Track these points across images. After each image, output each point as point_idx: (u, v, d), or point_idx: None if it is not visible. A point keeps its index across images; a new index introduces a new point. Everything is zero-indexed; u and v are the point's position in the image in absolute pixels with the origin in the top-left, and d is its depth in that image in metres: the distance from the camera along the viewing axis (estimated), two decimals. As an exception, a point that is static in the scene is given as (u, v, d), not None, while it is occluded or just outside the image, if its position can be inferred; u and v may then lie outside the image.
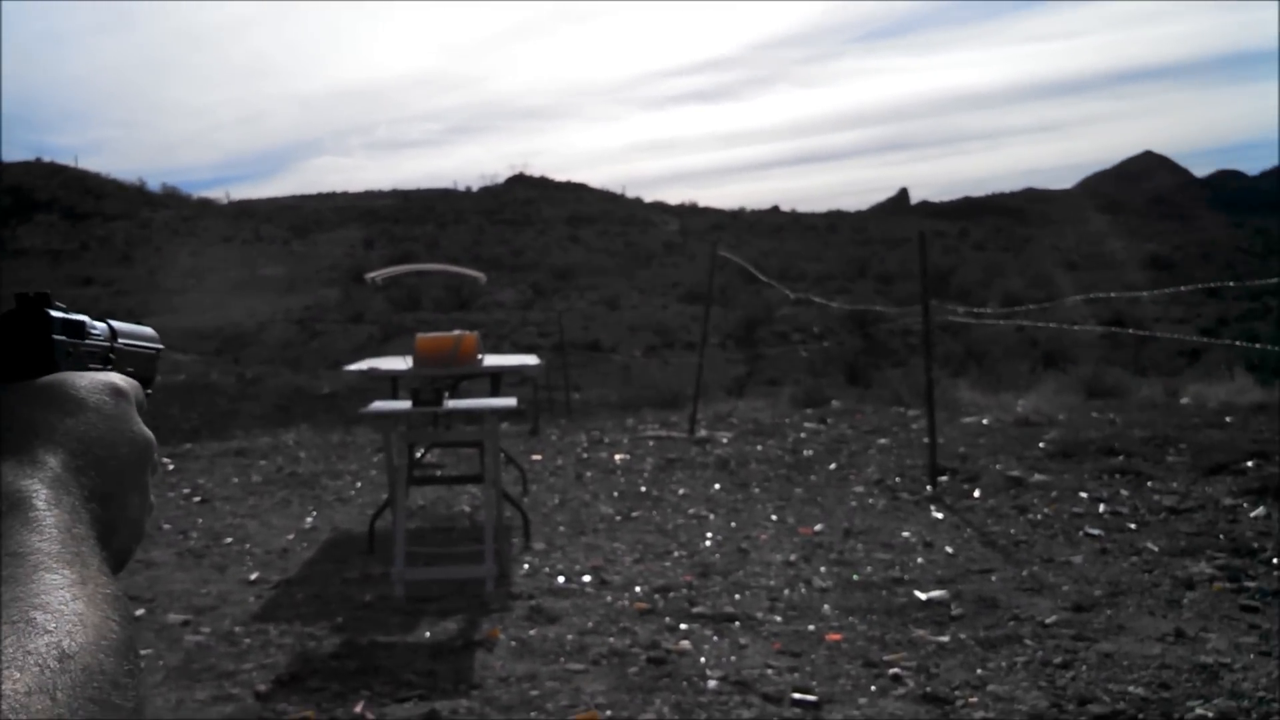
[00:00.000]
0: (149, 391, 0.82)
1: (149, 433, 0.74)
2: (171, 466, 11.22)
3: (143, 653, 3.77)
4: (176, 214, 58.18)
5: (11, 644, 0.51)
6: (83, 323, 0.76)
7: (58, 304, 0.74)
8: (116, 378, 0.74)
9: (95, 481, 0.66)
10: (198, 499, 9.41)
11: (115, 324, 0.81)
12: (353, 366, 8.24)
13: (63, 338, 0.73)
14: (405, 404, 6.58)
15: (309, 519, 8.47)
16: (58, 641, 0.53)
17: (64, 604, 0.55)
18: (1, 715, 0.47)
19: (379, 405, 6.86)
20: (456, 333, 7.69)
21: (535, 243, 54.12)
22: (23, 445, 0.65)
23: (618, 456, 10.85)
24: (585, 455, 11.09)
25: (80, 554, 0.60)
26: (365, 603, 6.06)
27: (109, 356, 0.78)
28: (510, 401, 7.03)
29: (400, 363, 8.04)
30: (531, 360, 8.57)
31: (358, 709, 4.46)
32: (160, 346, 0.88)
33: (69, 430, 0.68)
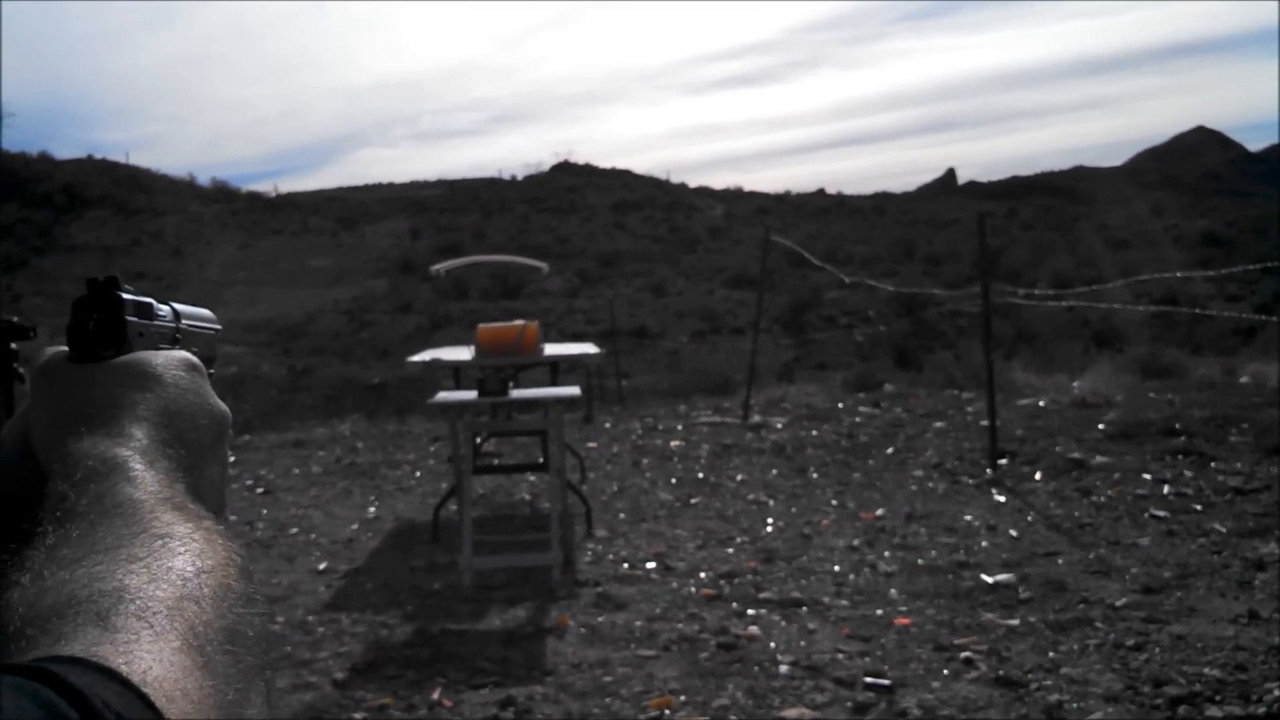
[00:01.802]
0: (211, 371, 0.85)
1: (224, 406, 0.77)
2: (233, 458, 11.34)
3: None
4: (226, 208, 58.71)
5: (153, 561, 0.54)
6: (150, 304, 0.79)
7: (126, 286, 0.77)
8: (189, 354, 0.77)
9: (180, 453, 0.69)
10: (261, 490, 9.55)
11: (178, 306, 0.85)
12: (415, 357, 8.32)
13: (135, 319, 0.76)
14: (470, 394, 6.65)
15: (371, 508, 8.57)
16: (192, 560, 0.56)
17: (188, 533, 0.58)
18: (159, 618, 0.50)
19: (445, 395, 6.93)
20: (519, 323, 7.75)
21: (580, 230, 54.16)
22: (111, 421, 0.68)
23: (673, 443, 10.88)
24: (640, 442, 11.13)
25: (184, 504, 0.63)
26: (434, 591, 6.13)
27: (175, 337, 0.82)
28: (574, 390, 7.09)
29: (462, 353, 8.11)
30: (591, 349, 8.63)
31: (435, 696, 4.53)
32: (219, 327, 0.91)
33: (151, 405, 0.70)
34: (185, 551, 0.56)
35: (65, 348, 0.74)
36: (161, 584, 0.53)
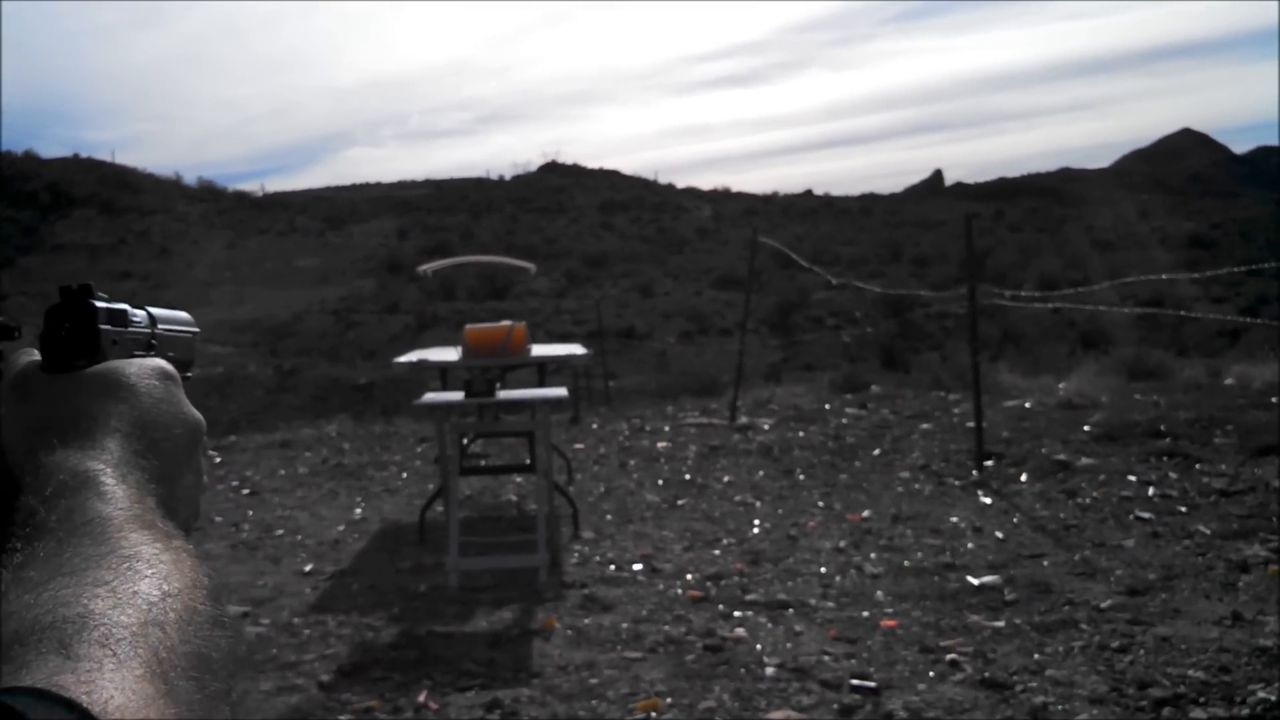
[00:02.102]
0: (188, 375, 0.85)
1: (198, 414, 0.76)
2: (219, 459, 11.34)
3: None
4: (213, 207, 58.52)
5: (119, 584, 0.54)
6: (125, 311, 0.78)
7: (100, 294, 0.76)
8: (162, 362, 0.77)
9: (153, 464, 0.69)
10: (246, 491, 9.52)
11: (154, 310, 0.84)
12: (402, 358, 8.30)
13: (108, 327, 0.75)
14: (457, 395, 6.64)
15: (358, 510, 8.55)
16: (158, 583, 0.55)
17: (155, 554, 0.58)
18: (123, 645, 0.50)
19: (432, 396, 6.91)
20: (506, 323, 7.74)
21: (568, 230, 54.12)
22: (84, 433, 0.67)
23: (660, 444, 10.88)
24: (627, 443, 11.13)
25: (154, 520, 0.62)
26: (420, 593, 6.12)
27: (151, 343, 0.81)
28: (561, 392, 7.08)
29: (449, 354, 8.09)
30: (579, 350, 8.62)
31: (421, 698, 4.52)
32: (197, 330, 0.91)
33: (124, 416, 0.70)
34: (152, 574, 0.56)
35: (39, 356, 0.74)
36: (126, 609, 0.52)
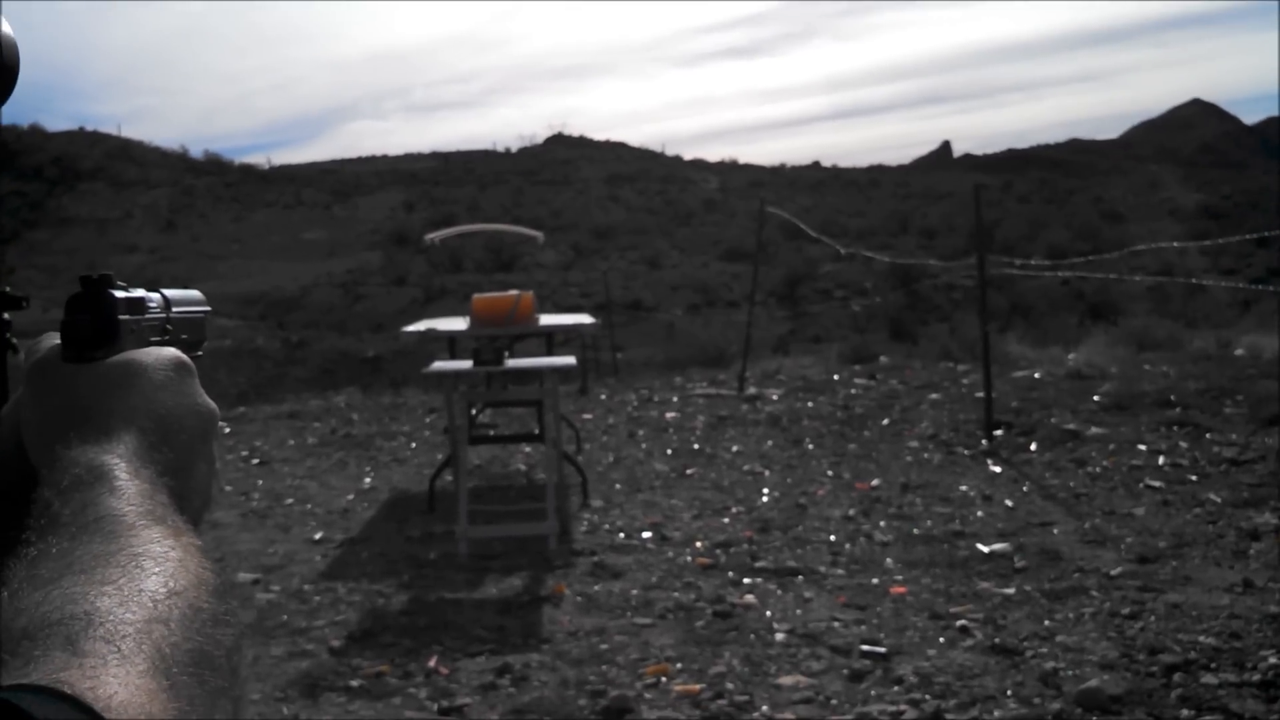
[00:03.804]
0: (199, 354, 0.85)
1: (212, 403, 0.77)
2: (228, 430, 11.36)
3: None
4: (219, 180, 58.48)
5: (126, 583, 0.55)
6: (142, 299, 0.79)
7: (119, 283, 0.77)
8: (178, 353, 0.77)
9: (168, 455, 0.70)
10: (256, 461, 9.54)
11: (167, 293, 0.84)
12: (410, 328, 8.29)
13: (127, 317, 0.76)
14: (466, 364, 6.63)
15: (367, 479, 8.57)
16: (165, 581, 0.56)
17: (164, 552, 0.59)
18: (127, 642, 0.51)
19: (440, 365, 6.91)
20: (514, 293, 7.73)
21: (575, 202, 53.99)
22: (100, 426, 0.68)
23: (668, 415, 10.88)
24: (636, 414, 11.13)
25: (165, 515, 0.63)
26: (429, 560, 6.14)
27: (166, 327, 0.82)
28: (569, 360, 7.07)
29: (457, 323, 8.08)
30: (587, 320, 8.62)
31: (431, 663, 4.53)
32: (208, 308, 0.91)
33: (140, 408, 0.71)
34: (159, 572, 0.57)
35: (59, 342, 0.74)
36: (132, 606, 0.53)
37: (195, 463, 0.74)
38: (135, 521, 0.61)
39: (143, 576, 0.56)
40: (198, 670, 0.53)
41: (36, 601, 0.52)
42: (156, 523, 0.62)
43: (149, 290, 0.81)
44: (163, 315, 0.82)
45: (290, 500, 7.91)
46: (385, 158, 77.97)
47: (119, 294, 0.76)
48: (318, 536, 6.83)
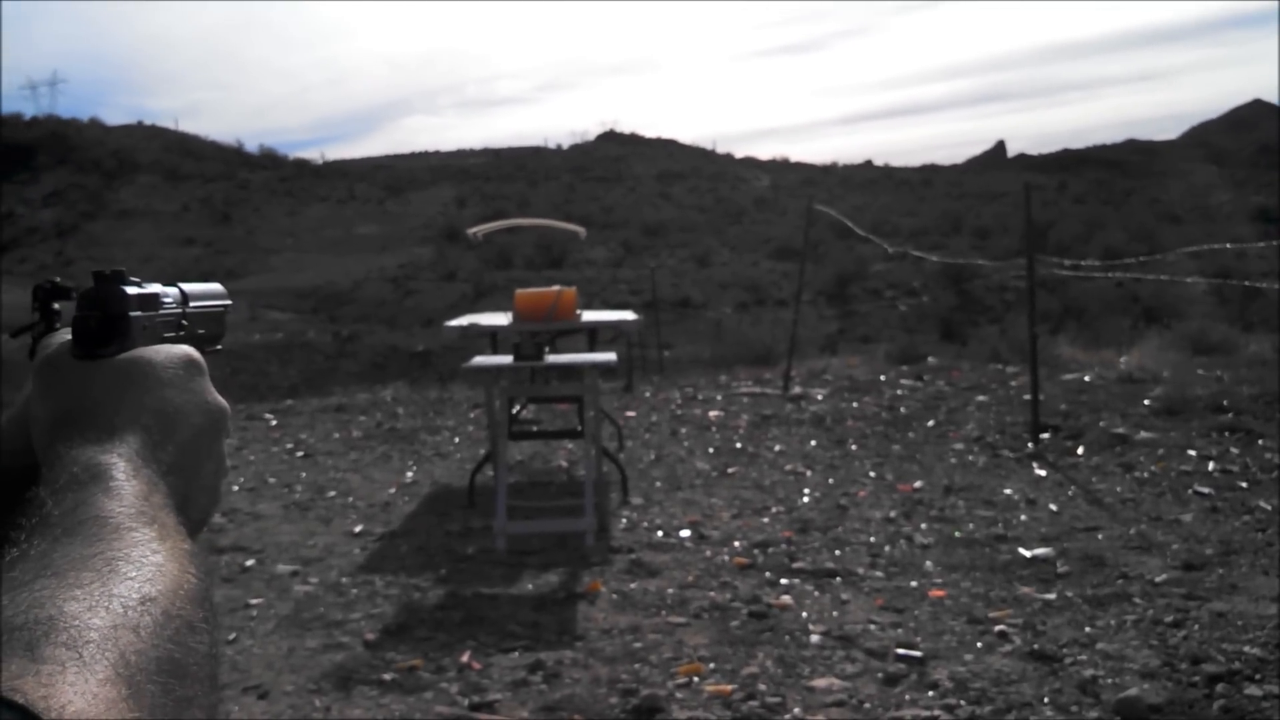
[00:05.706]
0: (218, 348, 0.86)
1: (223, 401, 0.76)
2: (274, 422, 11.47)
3: (253, 602, 3.84)
4: (274, 174, 59.09)
5: (97, 588, 0.54)
6: (156, 295, 0.78)
7: (132, 279, 0.76)
8: (188, 350, 0.76)
9: (172, 455, 0.69)
10: (300, 454, 9.61)
11: (186, 287, 0.83)
12: (452, 322, 8.32)
13: (138, 313, 0.75)
14: (506, 359, 6.64)
15: (409, 473, 8.60)
16: (139, 586, 0.55)
17: (144, 556, 0.58)
18: (89, 648, 0.49)
19: (480, 360, 6.92)
20: (556, 288, 7.72)
21: (625, 200, 54.05)
22: (103, 424, 0.68)
23: (712, 413, 10.84)
24: (679, 412, 11.10)
25: (157, 517, 0.62)
26: (467, 555, 6.14)
27: (181, 323, 0.81)
28: (610, 356, 7.05)
29: (499, 319, 8.10)
30: (629, 316, 8.58)
31: (464, 659, 4.53)
32: (228, 302, 0.90)
33: (146, 407, 0.70)
34: (134, 577, 0.56)
35: (70, 338, 0.74)
36: (100, 611, 0.52)
37: (202, 462, 0.73)
38: (122, 524, 0.60)
39: (116, 581, 0.55)
40: (165, 679, 0.52)
41: (3, 605, 0.51)
42: (146, 525, 0.61)
43: (167, 285, 0.81)
44: (178, 311, 0.81)
45: (332, 493, 7.96)
46: (438, 153, 78.51)
47: (131, 290, 0.75)
48: (357, 529, 6.87)
